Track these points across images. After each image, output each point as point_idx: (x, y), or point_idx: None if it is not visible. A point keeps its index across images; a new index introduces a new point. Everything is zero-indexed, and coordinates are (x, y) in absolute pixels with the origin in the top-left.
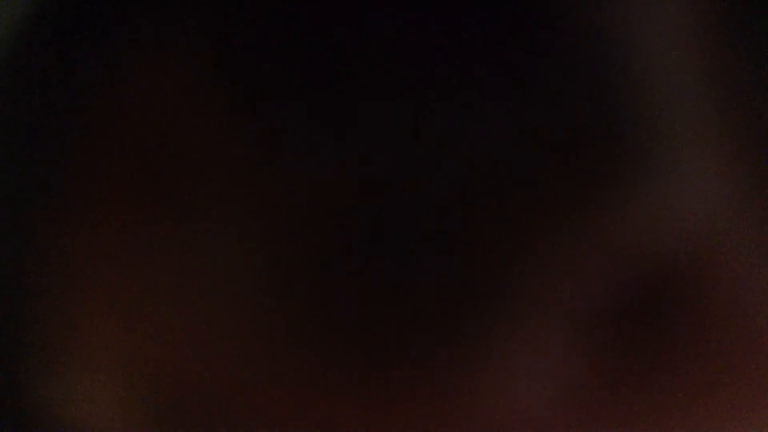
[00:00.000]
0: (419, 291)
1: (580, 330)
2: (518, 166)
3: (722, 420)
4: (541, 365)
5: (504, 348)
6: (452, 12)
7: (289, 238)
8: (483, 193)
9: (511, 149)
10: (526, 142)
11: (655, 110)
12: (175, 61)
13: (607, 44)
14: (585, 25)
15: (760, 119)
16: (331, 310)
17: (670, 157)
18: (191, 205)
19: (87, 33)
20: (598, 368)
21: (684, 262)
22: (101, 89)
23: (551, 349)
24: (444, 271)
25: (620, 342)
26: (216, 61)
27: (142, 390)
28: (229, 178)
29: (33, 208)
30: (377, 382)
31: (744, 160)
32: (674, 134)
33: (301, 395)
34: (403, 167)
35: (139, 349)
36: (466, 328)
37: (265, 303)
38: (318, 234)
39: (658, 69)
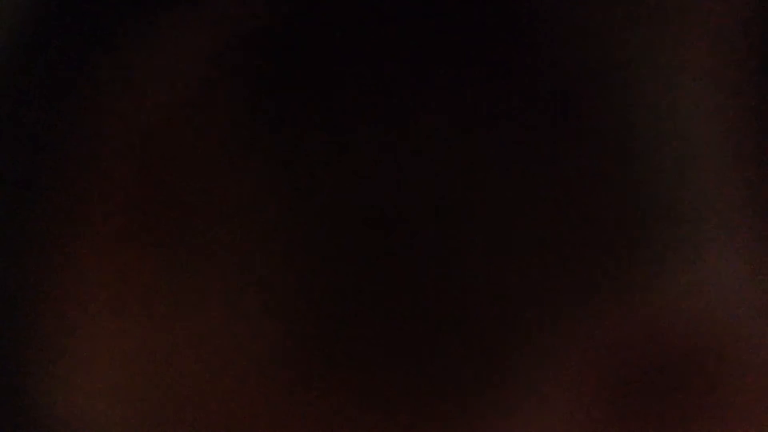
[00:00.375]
0: (430, 358)
1: (596, 401)
2: (542, 241)
3: None
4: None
5: (516, 418)
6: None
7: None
8: (503, 265)
9: (539, 229)
10: (549, 218)
11: (677, 183)
12: (184, 74)
13: (632, 117)
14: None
15: None
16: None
17: (693, 235)
18: (196, 221)
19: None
20: None
21: (706, 338)
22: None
23: (567, 417)
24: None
25: (637, 413)
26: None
27: (141, 391)
28: (238, 188)
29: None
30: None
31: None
32: (697, 212)
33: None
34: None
35: (139, 349)
36: (474, 397)
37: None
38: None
39: (681, 142)
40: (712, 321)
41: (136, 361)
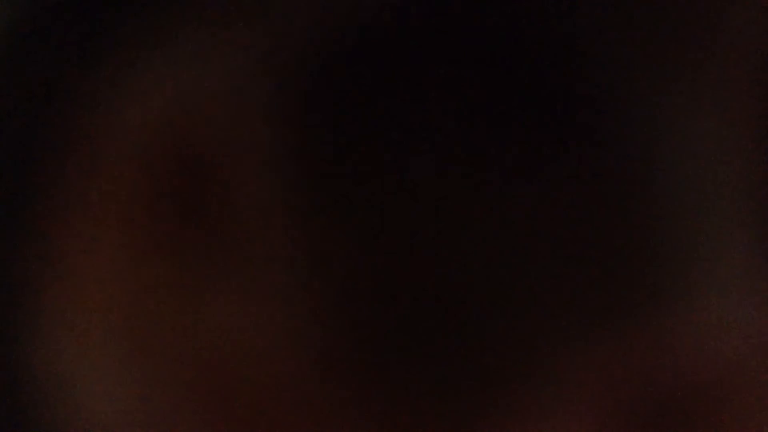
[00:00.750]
0: (434, 381)
1: None
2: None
3: None
4: None
5: None
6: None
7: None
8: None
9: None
10: (564, 259)
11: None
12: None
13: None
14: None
15: None
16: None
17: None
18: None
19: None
20: None
21: (708, 372)
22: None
23: None
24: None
25: None
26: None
27: (143, 389)
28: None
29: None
30: None
31: None
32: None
33: None
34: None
35: (139, 349)
36: (478, 423)
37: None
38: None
39: (693, 187)
40: (714, 355)
41: (136, 361)
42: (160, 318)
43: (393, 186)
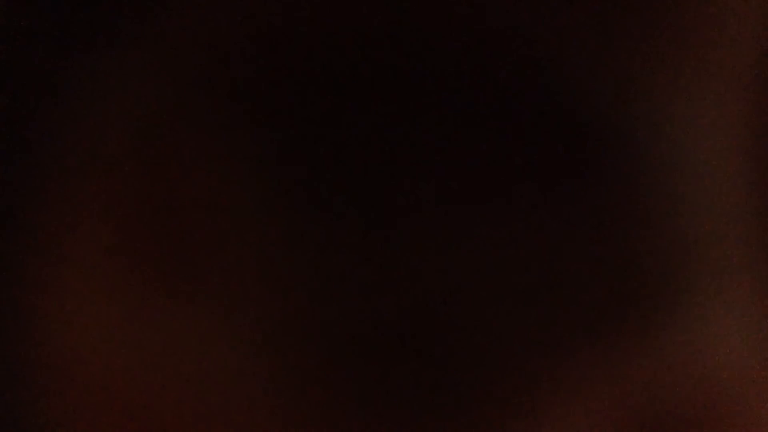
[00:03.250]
0: (432, 403)
1: None
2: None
3: None
4: None
5: None
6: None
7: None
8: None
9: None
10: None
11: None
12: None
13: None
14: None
15: None
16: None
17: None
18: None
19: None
20: None
21: (707, 400)
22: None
23: None
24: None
25: None
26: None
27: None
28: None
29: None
30: None
31: None
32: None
33: None
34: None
35: (134, 354)
36: None
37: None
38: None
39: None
40: (714, 382)
41: (136, 360)
42: (160, 317)
43: (375, 209)
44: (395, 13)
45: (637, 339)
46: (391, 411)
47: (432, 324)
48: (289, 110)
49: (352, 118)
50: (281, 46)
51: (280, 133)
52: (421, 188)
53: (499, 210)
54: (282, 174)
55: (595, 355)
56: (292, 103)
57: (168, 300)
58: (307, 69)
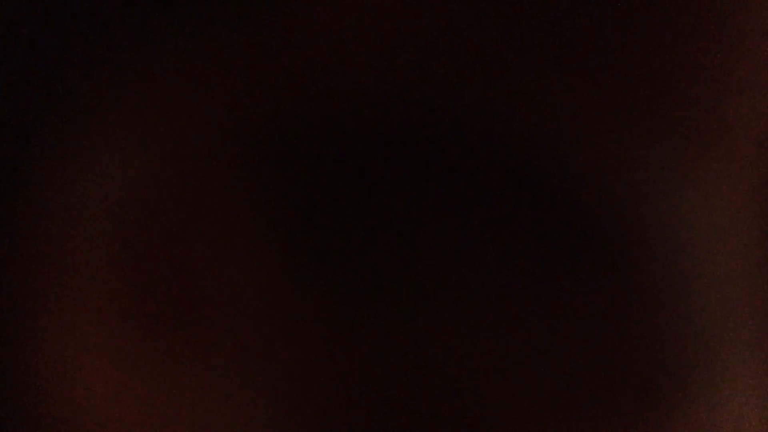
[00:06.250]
0: None
1: None
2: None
3: None
4: None
5: None
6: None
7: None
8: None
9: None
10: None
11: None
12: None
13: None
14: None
15: None
16: None
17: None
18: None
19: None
20: None
21: None
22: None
23: None
24: None
25: None
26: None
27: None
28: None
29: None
30: None
31: None
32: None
33: None
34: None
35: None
36: None
37: None
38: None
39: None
40: None
41: (134, 362)
42: (159, 318)
43: (376, 283)
44: (395, 78)
45: (652, 417)
46: None
47: (434, 412)
48: (293, 168)
49: (354, 200)
50: (285, 106)
51: (285, 193)
52: (419, 263)
53: (498, 296)
54: (282, 234)
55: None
56: (296, 162)
57: (166, 358)
58: (312, 128)
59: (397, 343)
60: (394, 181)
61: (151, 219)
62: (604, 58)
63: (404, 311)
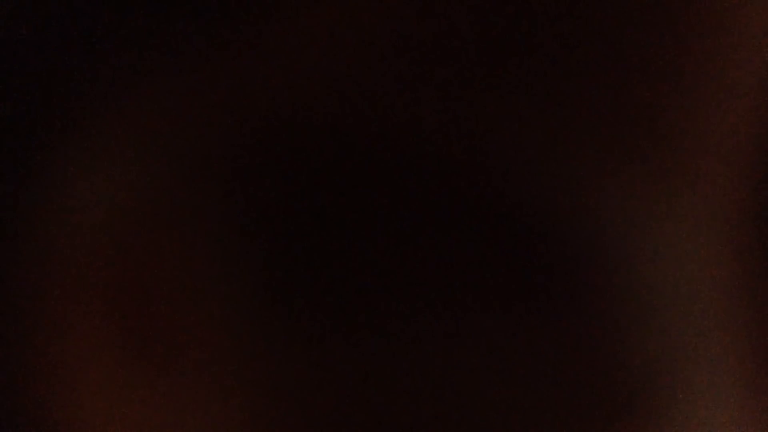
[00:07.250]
0: None
1: None
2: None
3: None
4: None
5: None
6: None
7: None
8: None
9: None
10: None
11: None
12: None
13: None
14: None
15: None
16: None
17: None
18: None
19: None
20: None
21: None
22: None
23: None
24: None
25: None
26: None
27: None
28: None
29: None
30: None
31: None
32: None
33: None
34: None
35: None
36: None
37: None
38: None
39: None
40: None
41: (135, 362)
42: (158, 317)
43: (364, 329)
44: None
45: None
46: None
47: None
48: (293, 170)
49: (342, 246)
50: (276, 142)
51: (283, 196)
52: (406, 307)
53: (488, 328)
54: (282, 235)
55: None
56: (296, 163)
57: (166, 359)
58: (302, 163)
59: (381, 348)
60: (384, 189)
61: (151, 220)
62: (587, 73)
63: (381, 317)
